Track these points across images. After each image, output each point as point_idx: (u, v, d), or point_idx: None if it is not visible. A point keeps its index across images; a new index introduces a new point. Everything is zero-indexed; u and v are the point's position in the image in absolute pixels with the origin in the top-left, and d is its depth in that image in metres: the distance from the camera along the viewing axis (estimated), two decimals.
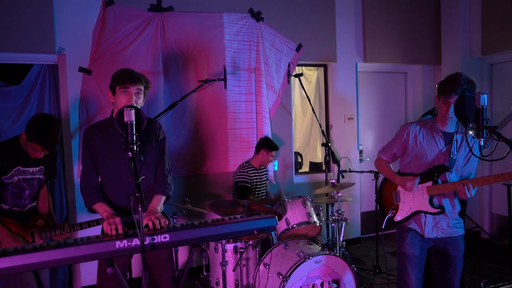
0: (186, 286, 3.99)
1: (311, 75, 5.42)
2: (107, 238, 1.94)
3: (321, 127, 4.36)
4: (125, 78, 2.27)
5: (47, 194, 2.74)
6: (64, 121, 3.92)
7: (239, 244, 3.28)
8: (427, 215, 2.51)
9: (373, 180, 4.06)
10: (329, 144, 4.24)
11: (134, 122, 2.03)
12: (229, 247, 3.29)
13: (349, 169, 4.36)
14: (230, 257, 3.29)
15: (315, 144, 5.65)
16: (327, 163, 4.44)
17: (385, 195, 2.74)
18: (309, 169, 5.47)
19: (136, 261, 3.69)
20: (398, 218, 2.61)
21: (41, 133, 2.46)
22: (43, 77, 3.91)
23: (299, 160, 5.47)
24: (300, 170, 5.34)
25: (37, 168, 2.63)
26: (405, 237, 2.58)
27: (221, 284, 3.26)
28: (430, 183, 2.48)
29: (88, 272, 3.93)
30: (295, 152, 5.10)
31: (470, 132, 2.08)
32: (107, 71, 3.76)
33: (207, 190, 4.35)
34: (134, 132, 2.02)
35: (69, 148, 3.91)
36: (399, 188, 2.64)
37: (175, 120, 4.13)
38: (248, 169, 3.84)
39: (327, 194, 4.12)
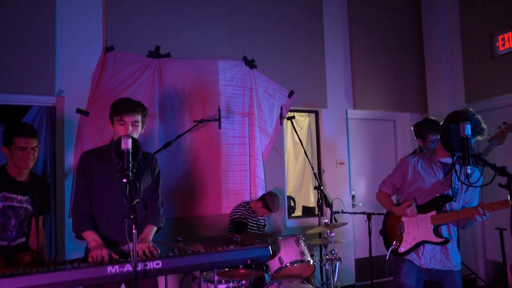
0: None
1: (303, 121, 5.57)
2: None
3: (313, 169, 4.42)
4: (122, 108, 2.34)
5: (36, 229, 2.64)
6: (58, 161, 3.95)
7: (231, 285, 3.20)
8: (426, 245, 2.51)
9: (365, 221, 4.06)
10: (322, 187, 4.27)
11: (130, 151, 2.08)
12: None
13: (342, 210, 4.37)
14: None
15: (307, 188, 5.68)
16: (320, 206, 4.42)
17: (389, 227, 2.74)
18: (302, 213, 5.46)
19: None
20: (402, 249, 2.59)
21: (13, 128, 2.50)
22: (41, 118, 3.99)
23: (292, 204, 5.46)
24: (293, 214, 5.32)
25: (25, 197, 2.56)
26: (401, 267, 2.56)
27: None
28: (434, 213, 2.51)
29: None
30: (288, 196, 5.11)
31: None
32: (104, 113, 3.79)
33: (200, 232, 4.29)
34: (130, 160, 2.06)
35: (62, 187, 3.90)
36: (403, 219, 2.64)
37: (170, 161, 4.17)
38: (246, 209, 3.85)
39: (320, 236, 4.09)
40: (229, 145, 4.48)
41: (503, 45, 4.67)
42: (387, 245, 2.72)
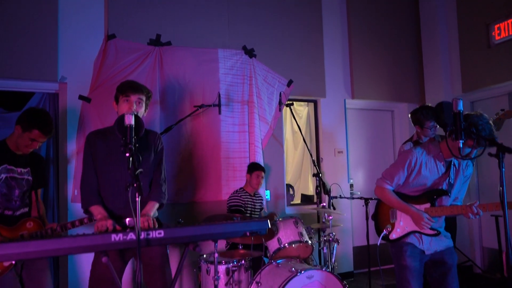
0: None
1: (302, 111, 5.64)
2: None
3: (311, 156, 4.48)
4: (127, 87, 2.43)
5: (35, 200, 2.77)
6: (61, 147, 4.02)
7: (231, 265, 3.27)
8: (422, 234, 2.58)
9: (363, 206, 4.13)
10: (320, 175, 4.33)
11: (133, 126, 2.15)
12: (221, 268, 3.27)
13: (340, 195, 4.43)
14: (222, 279, 3.26)
15: (306, 177, 5.76)
16: (318, 194, 4.49)
17: (382, 212, 2.78)
18: (301, 201, 5.53)
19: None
20: (393, 236, 2.64)
21: (38, 119, 2.57)
22: (43, 105, 4.05)
23: (291, 192, 5.54)
24: (292, 202, 5.39)
25: (25, 170, 2.69)
26: (405, 250, 2.59)
27: None
28: (428, 205, 2.56)
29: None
30: (287, 184, 5.18)
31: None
32: (106, 99, 3.92)
33: (200, 218, 4.36)
34: (133, 135, 2.12)
35: (65, 173, 3.96)
36: None
37: (170, 147, 4.24)
38: (242, 194, 3.92)
39: (318, 221, 4.17)
40: (229, 133, 4.55)
41: (499, 34, 4.73)
42: (378, 230, 2.75)
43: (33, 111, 2.68)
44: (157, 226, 2.24)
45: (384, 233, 2.67)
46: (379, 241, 2.69)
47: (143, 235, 1.97)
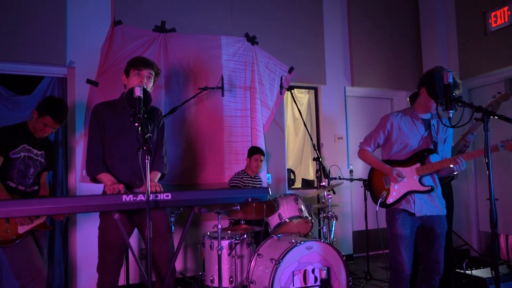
0: (180, 283, 4.08)
1: (303, 98, 5.76)
2: None
3: (312, 140, 4.60)
4: (140, 62, 2.57)
5: (46, 183, 2.97)
6: (69, 129, 4.16)
7: (234, 241, 3.40)
8: (415, 195, 2.71)
9: (361, 187, 4.26)
10: (320, 159, 4.45)
11: (142, 98, 2.28)
12: (225, 243, 3.40)
13: (339, 176, 4.56)
14: (225, 253, 3.39)
15: (307, 162, 5.88)
16: (318, 178, 4.62)
17: (375, 181, 2.91)
18: (301, 186, 5.66)
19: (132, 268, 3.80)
20: (390, 200, 2.77)
21: (53, 107, 2.79)
22: (52, 89, 4.19)
23: (292, 177, 5.67)
24: (293, 186, 5.52)
25: (40, 152, 2.90)
26: (397, 219, 2.73)
27: (216, 281, 3.35)
28: (418, 165, 2.71)
29: (85, 275, 3.98)
30: (288, 169, 5.31)
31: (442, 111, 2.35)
32: (112, 83, 4.07)
33: None
34: (142, 107, 2.25)
35: (73, 155, 4.10)
36: None
37: (175, 130, 4.38)
38: (243, 175, 4.06)
39: (318, 201, 4.30)
40: (232, 117, 4.68)
41: (496, 21, 4.84)
42: (375, 198, 2.89)
43: (51, 99, 2.90)
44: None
45: (380, 199, 2.79)
46: (377, 208, 2.79)
47: (151, 197, 2.11)
